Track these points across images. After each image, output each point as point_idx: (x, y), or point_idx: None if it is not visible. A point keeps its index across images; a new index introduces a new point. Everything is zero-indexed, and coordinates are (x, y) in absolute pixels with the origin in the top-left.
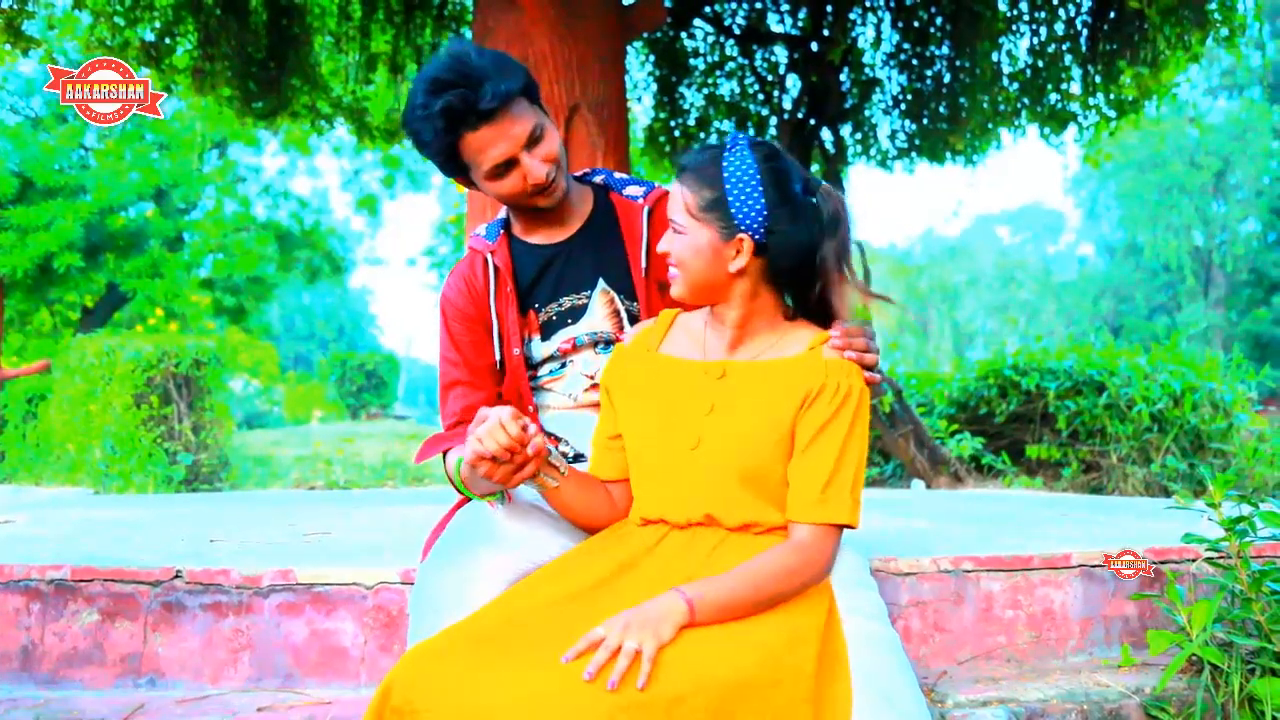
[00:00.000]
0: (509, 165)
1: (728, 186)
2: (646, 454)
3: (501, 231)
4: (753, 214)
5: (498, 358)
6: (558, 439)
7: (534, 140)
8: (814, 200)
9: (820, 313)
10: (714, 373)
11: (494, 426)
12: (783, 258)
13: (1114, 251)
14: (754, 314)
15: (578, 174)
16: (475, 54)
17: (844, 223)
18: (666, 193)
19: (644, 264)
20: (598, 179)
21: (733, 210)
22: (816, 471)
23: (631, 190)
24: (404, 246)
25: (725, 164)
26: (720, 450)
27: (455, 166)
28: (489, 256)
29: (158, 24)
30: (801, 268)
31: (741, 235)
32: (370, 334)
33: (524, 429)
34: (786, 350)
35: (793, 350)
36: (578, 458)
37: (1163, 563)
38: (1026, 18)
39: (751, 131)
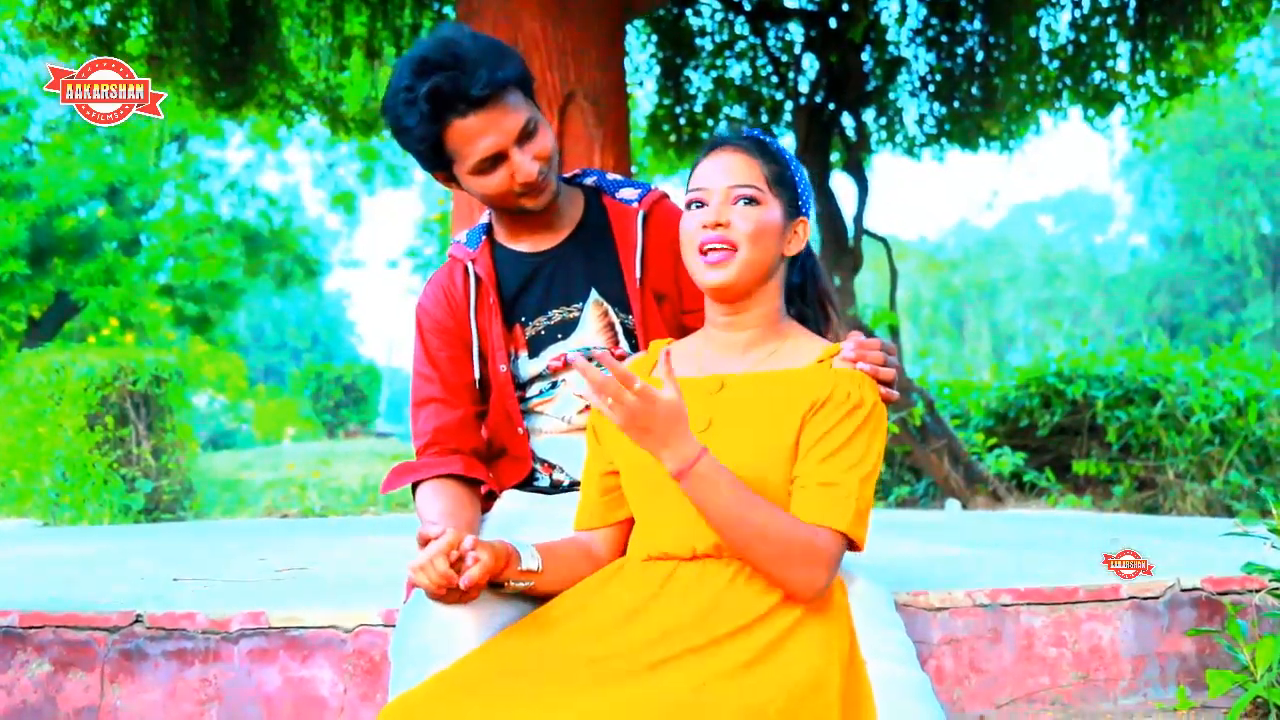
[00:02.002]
0: (497, 160)
1: (792, 165)
2: (645, 483)
3: (484, 238)
4: (808, 198)
5: (477, 375)
6: (551, 465)
7: (526, 135)
8: None
9: (815, 318)
10: (710, 387)
11: (425, 564)
12: (805, 253)
13: (1170, 241)
14: (775, 314)
15: (568, 175)
16: (469, 38)
17: None
18: (663, 195)
19: (638, 273)
20: (589, 180)
21: (799, 189)
22: (818, 474)
23: (625, 193)
24: (384, 247)
25: (779, 146)
26: None
27: (438, 160)
28: (470, 265)
29: (108, 6)
30: (803, 270)
31: (803, 218)
32: (348, 343)
33: (460, 560)
34: (791, 360)
35: (798, 361)
36: (572, 485)
37: (1223, 594)
38: None
39: (765, 118)
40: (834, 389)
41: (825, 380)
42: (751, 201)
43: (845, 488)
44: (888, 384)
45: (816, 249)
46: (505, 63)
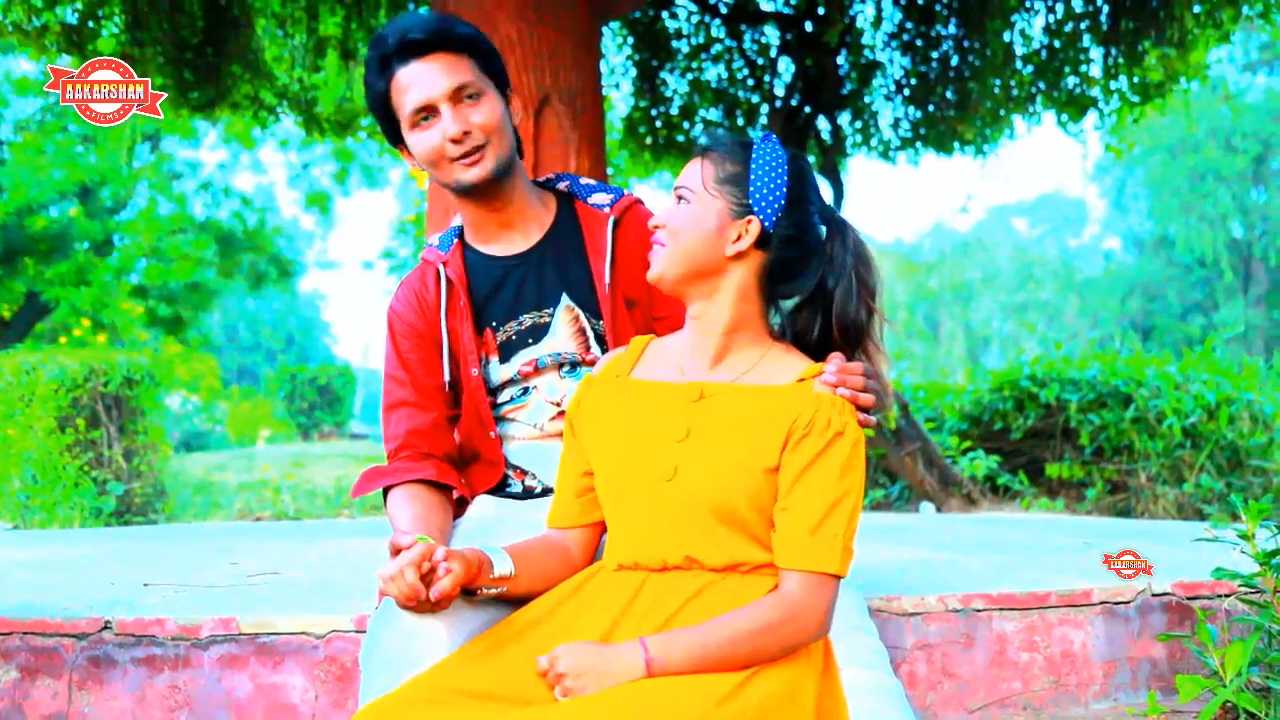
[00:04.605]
0: (430, 116)
1: (753, 165)
2: (619, 489)
3: (456, 241)
4: (770, 199)
5: (447, 378)
6: (524, 471)
7: (466, 97)
8: (831, 222)
9: (819, 345)
10: (691, 395)
11: (395, 574)
12: (783, 260)
13: (1143, 245)
14: (742, 321)
15: (540, 180)
16: (440, 15)
17: (871, 263)
18: (635, 201)
19: (608, 278)
20: (561, 185)
21: (751, 188)
22: (804, 513)
23: (597, 198)
24: (359, 248)
25: (755, 147)
26: (697, 482)
27: (390, 122)
28: (441, 268)
29: (80, 5)
30: (800, 282)
31: (752, 217)
32: (323, 344)
33: (431, 571)
34: (772, 376)
35: (779, 378)
36: (545, 491)
37: (1193, 599)
38: None
39: (741, 121)
40: (815, 415)
41: (806, 404)
42: (681, 200)
43: (832, 527)
44: (866, 410)
45: None
46: (458, 26)
